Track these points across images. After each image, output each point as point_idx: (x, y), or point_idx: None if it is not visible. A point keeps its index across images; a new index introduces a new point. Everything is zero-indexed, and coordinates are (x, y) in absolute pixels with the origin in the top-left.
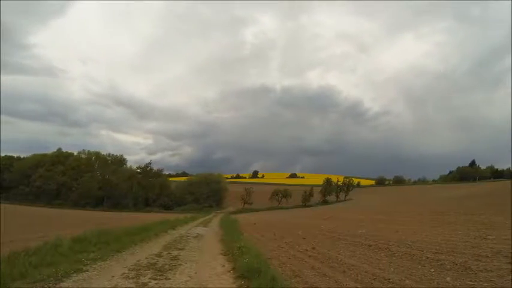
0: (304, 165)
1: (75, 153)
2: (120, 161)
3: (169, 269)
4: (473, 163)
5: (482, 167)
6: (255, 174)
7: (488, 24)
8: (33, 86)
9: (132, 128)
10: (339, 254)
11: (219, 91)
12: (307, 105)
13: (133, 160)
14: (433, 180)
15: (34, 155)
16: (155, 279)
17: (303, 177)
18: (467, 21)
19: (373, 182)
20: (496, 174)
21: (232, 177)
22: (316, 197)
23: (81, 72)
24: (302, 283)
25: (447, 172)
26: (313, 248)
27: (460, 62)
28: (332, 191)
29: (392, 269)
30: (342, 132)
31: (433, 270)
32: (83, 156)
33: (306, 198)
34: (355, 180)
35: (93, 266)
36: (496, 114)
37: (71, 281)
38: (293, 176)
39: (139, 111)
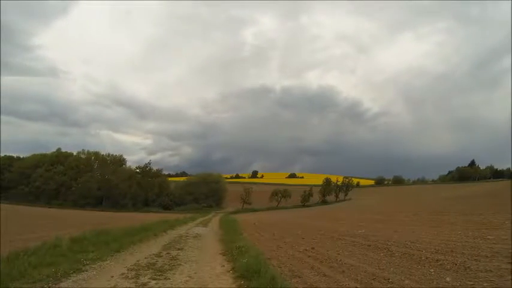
0: (303, 165)
1: (75, 153)
2: (119, 161)
3: (169, 269)
4: (472, 163)
5: (482, 167)
6: (254, 174)
7: (488, 25)
8: (35, 87)
9: (132, 128)
10: (339, 254)
11: (219, 91)
12: (307, 106)
13: (133, 160)
14: (433, 180)
15: (34, 155)
16: (155, 279)
17: (302, 177)
18: (466, 22)
19: (372, 182)
20: (495, 174)
21: (231, 177)
22: (316, 197)
23: (82, 73)
24: (302, 283)
25: (446, 172)
26: (313, 248)
27: (459, 62)
28: (331, 191)
29: (391, 269)
30: (342, 133)
31: (432, 270)
32: (83, 156)
33: (306, 198)
34: (355, 180)
35: (93, 266)
36: (496, 114)
37: (70, 281)
38: (292, 176)
39: (139, 111)
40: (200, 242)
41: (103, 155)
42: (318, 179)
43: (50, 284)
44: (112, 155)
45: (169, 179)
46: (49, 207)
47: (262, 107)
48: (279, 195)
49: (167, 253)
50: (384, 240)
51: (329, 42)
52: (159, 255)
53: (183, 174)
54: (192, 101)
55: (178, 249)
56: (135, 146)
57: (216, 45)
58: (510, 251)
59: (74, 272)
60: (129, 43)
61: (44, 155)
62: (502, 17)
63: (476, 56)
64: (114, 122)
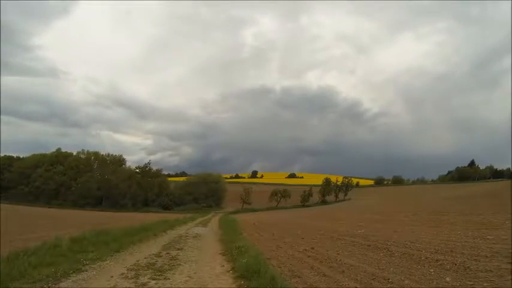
0: (303, 165)
1: (75, 153)
2: (119, 161)
3: (169, 269)
4: (472, 163)
5: (482, 167)
6: (254, 174)
7: (488, 25)
8: (36, 87)
9: (132, 129)
10: (338, 254)
11: (219, 92)
12: (307, 106)
13: (133, 160)
14: (432, 180)
15: (33, 155)
16: (154, 279)
17: (302, 177)
18: (467, 22)
19: (372, 182)
20: (495, 174)
21: (231, 177)
22: (315, 197)
23: (82, 74)
24: (301, 283)
25: (446, 172)
26: (313, 248)
27: (459, 62)
28: (331, 191)
29: (391, 269)
30: (341, 133)
31: (432, 270)
32: (82, 156)
33: (305, 198)
34: (354, 180)
35: (92, 266)
36: (496, 114)
37: (70, 281)
38: (292, 176)
39: (139, 111)
40: (200, 242)
41: (103, 155)
42: (318, 179)
43: (49, 284)
44: (112, 155)
45: (169, 179)
46: (49, 207)
47: (262, 108)
48: (279, 195)
49: (167, 253)
50: (383, 240)
51: (329, 42)
52: (158, 255)
53: (183, 174)
54: (192, 102)
55: (178, 249)
56: (135, 146)
57: (216, 46)
58: (510, 251)
59: (74, 272)
60: (130, 43)
61: (44, 155)
62: (502, 17)
63: (476, 56)
64: (114, 123)
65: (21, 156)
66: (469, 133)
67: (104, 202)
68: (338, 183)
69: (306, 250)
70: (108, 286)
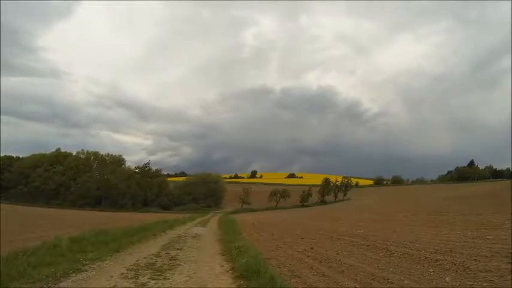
0: (302, 165)
1: (74, 153)
2: (118, 160)
3: (168, 269)
4: (471, 163)
5: (481, 167)
6: (253, 174)
7: (487, 26)
8: (37, 88)
9: (132, 129)
10: (338, 254)
11: (219, 92)
12: (306, 106)
13: (133, 160)
14: (432, 180)
15: (33, 155)
16: (154, 279)
17: (301, 177)
18: (466, 23)
19: (371, 182)
20: (494, 174)
21: (230, 177)
22: (315, 197)
23: (84, 74)
24: (301, 283)
25: (445, 172)
26: (312, 248)
27: (458, 63)
28: (330, 191)
29: (391, 268)
30: (341, 133)
31: (431, 270)
32: (82, 156)
33: (305, 198)
34: (354, 180)
35: (92, 266)
36: (495, 114)
37: (69, 281)
38: (291, 176)
39: (140, 112)
40: (199, 242)
41: (102, 155)
42: (317, 179)
43: (49, 284)
44: (111, 155)
45: (169, 179)
46: (48, 207)
47: (261, 108)
48: (278, 195)
49: (166, 253)
50: (383, 240)
51: (328, 42)
52: (158, 255)
53: (182, 174)
54: (192, 102)
55: (178, 249)
56: (135, 146)
57: (216, 46)
58: (510, 251)
59: (73, 272)
60: (130, 44)
61: (43, 155)
62: (501, 18)
63: (475, 56)
64: (115, 123)
65: (21, 156)
66: (468, 133)
67: (103, 202)
68: (337, 183)
69: (305, 250)
70: (108, 286)
